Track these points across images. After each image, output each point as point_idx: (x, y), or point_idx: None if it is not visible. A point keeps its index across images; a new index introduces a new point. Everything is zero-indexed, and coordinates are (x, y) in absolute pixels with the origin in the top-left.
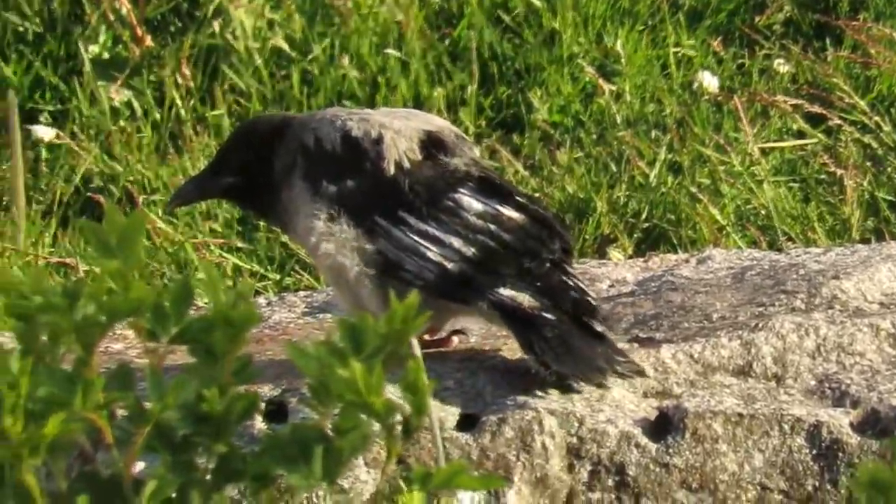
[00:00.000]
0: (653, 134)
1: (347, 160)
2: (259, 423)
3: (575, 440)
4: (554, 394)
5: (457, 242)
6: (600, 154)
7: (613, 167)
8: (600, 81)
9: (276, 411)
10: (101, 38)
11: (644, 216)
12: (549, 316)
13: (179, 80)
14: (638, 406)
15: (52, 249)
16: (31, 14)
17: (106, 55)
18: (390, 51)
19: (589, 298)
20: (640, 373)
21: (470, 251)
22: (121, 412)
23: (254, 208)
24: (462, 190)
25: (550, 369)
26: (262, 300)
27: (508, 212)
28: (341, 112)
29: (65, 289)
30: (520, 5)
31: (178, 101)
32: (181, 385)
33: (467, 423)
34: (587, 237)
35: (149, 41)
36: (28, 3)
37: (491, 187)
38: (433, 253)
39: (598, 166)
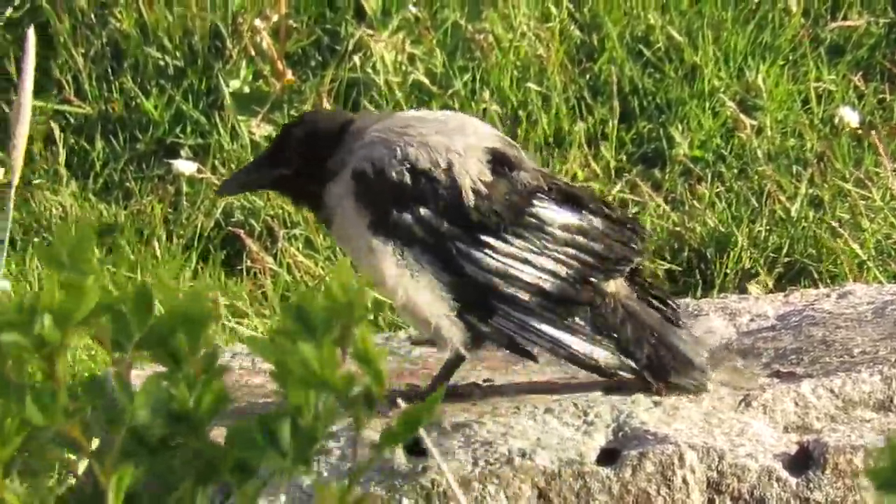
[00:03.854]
0: (793, 168)
1: (416, 190)
2: (399, 457)
3: (715, 475)
4: (695, 428)
5: (548, 262)
6: (741, 189)
7: (754, 202)
8: (741, 116)
9: (417, 445)
10: (242, 73)
11: (785, 251)
12: (625, 375)
13: None
14: (778, 440)
15: (193, 283)
16: (171, 48)
17: (247, 89)
18: (531, 85)
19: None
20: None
21: (562, 269)
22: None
23: (306, 203)
24: (538, 202)
25: (668, 378)
26: (402, 335)
27: (592, 218)
28: (392, 134)
29: (20, 304)
30: (661, 40)
31: None
32: (149, 387)
33: (608, 457)
34: (728, 271)
35: (289, 75)
36: (169, 37)
37: (565, 195)
38: (525, 275)
39: (738, 201)
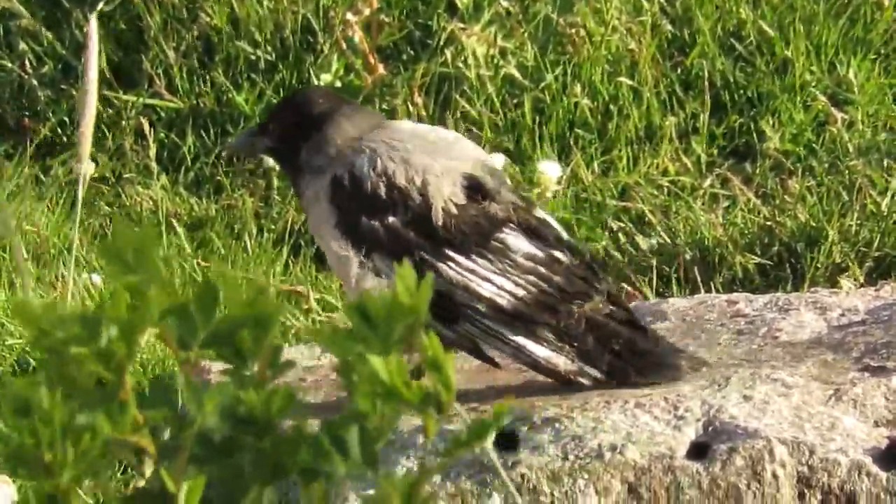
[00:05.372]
0: (885, 163)
1: (388, 201)
2: (489, 453)
3: (806, 469)
4: (785, 422)
5: (507, 283)
6: (832, 183)
7: (845, 196)
8: (832, 110)
9: (508, 440)
10: (334, 67)
11: (875, 245)
12: (584, 381)
13: (411, 109)
14: (868, 435)
15: (284, 278)
16: (262, 42)
17: (338, 83)
18: (623, 79)
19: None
20: (705, 363)
21: (520, 292)
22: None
23: (287, 175)
24: (507, 231)
25: (630, 381)
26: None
27: (556, 253)
28: (381, 146)
29: (83, 317)
30: (752, 34)
31: None
32: (218, 390)
33: (698, 452)
34: (818, 266)
35: (381, 69)
36: (260, 31)
37: (532, 232)
38: (484, 290)
39: (829, 195)
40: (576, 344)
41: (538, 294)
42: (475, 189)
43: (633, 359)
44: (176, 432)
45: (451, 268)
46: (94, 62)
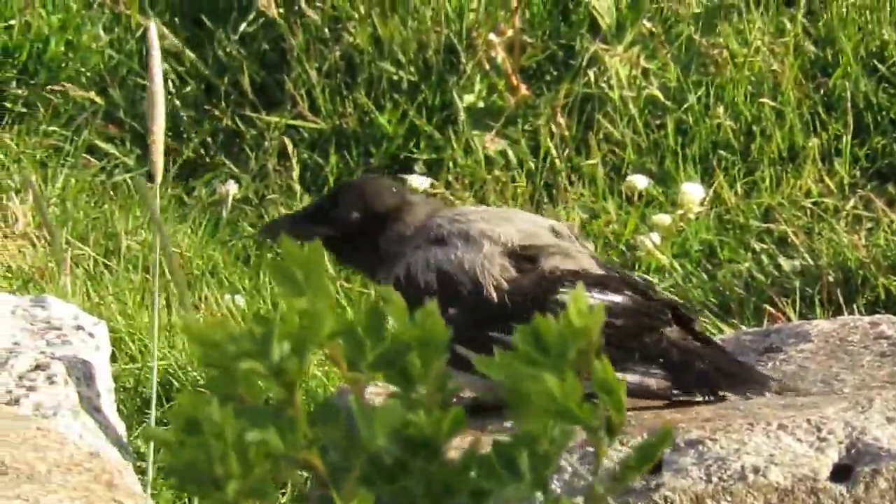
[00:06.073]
0: None
1: (444, 294)
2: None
3: None
4: None
5: None
6: None
7: None
8: None
9: None
10: (477, 87)
11: None
12: (678, 393)
13: (554, 129)
14: None
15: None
16: (405, 63)
17: (481, 104)
18: (765, 100)
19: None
20: (797, 389)
21: None
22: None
23: (350, 264)
24: (562, 290)
25: (719, 392)
26: None
27: (612, 297)
28: (444, 229)
29: (254, 333)
30: (895, 55)
31: (553, 151)
32: (388, 411)
33: (841, 474)
34: None
35: (524, 90)
36: (403, 52)
37: (597, 281)
38: None
39: None
40: (661, 360)
41: (605, 338)
42: (523, 257)
43: (719, 376)
44: (346, 452)
45: None
46: (158, 69)
